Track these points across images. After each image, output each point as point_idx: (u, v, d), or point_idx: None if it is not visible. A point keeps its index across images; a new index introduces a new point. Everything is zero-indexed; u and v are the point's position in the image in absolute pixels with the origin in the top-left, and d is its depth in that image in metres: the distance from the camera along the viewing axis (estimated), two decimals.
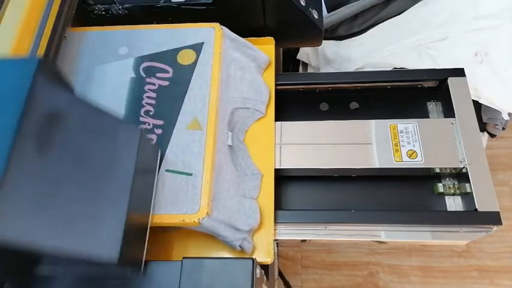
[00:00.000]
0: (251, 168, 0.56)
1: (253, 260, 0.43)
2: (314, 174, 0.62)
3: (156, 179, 0.48)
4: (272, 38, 0.65)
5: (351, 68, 0.91)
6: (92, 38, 0.58)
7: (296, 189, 0.62)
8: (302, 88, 0.68)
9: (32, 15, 0.48)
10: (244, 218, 0.50)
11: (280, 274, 1.07)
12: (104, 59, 0.56)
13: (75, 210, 0.33)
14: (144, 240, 0.44)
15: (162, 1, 0.60)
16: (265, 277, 0.50)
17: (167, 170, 0.48)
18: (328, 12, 0.93)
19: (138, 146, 0.41)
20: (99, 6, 0.61)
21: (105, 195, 0.36)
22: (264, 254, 0.52)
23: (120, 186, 0.38)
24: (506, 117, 0.83)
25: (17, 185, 0.27)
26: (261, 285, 0.47)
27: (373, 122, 0.61)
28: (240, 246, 0.50)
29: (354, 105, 0.68)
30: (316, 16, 0.64)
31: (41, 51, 0.48)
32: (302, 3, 0.61)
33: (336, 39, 0.96)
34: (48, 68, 0.32)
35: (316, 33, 0.66)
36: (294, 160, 0.59)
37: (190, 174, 0.47)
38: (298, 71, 1.03)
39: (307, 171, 0.60)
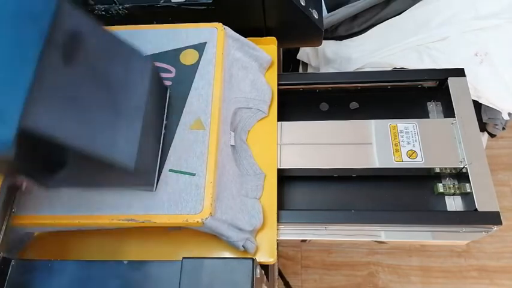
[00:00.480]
0: (254, 168, 0.56)
1: (253, 260, 0.43)
2: (314, 174, 0.62)
3: (165, 108, 0.50)
4: (274, 37, 0.65)
5: (351, 68, 0.91)
6: None
7: (296, 189, 0.62)
8: (302, 88, 0.68)
9: None
10: (247, 218, 0.50)
11: (280, 274, 1.07)
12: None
13: (97, 117, 0.37)
14: (156, 159, 0.48)
15: (162, 1, 0.60)
16: (265, 277, 0.50)
17: (170, 170, 0.48)
18: (328, 12, 0.93)
19: (151, 73, 0.45)
20: (99, 6, 0.61)
21: (122, 108, 0.40)
22: (267, 254, 0.52)
23: (135, 103, 0.42)
24: (506, 117, 0.83)
25: (45, 88, 0.31)
26: (261, 285, 0.47)
27: (373, 122, 0.61)
28: (243, 246, 0.50)
29: (354, 105, 0.68)
30: (316, 16, 0.64)
31: None
32: (302, 3, 0.61)
33: (336, 39, 0.96)
34: None
35: (316, 33, 0.66)
36: (293, 160, 0.59)
37: (194, 175, 0.47)
38: (298, 71, 1.03)
39: (307, 171, 0.60)
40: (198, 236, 0.54)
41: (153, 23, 0.59)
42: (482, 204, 0.54)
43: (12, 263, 0.46)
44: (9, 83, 0.30)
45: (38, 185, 0.46)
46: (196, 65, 0.55)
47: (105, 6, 0.61)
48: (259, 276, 0.45)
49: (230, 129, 0.56)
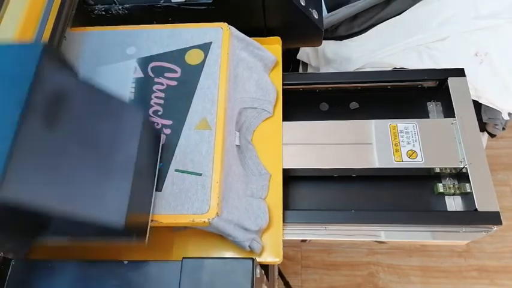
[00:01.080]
0: (259, 168, 0.56)
1: (253, 260, 0.43)
2: (314, 174, 0.62)
3: (159, 155, 0.48)
4: (279, 37, 0.65)
5: (351, 68, 0.91)
6: (99, 38, 0.58)
7: (296, 189, 0.62)
8: (302, 88, 0.68)
9: (32, 15, 0.48)
10: (253, 218, 0.50)
11: (280, 274, 1.07)
12: (111, 58, 0.56)
13: (83, 180, 0.35)
14: (149, 210, 0.45)
15: (162, 1, 0.60)
16: (265, 277, 0.50)
17: (176, 170, 0.48)
18: (328, 12, 0.93)
19: (142, 125, 0.43)
20: (99, 6, 0.61)
21: (111, 165, 0.38)
22: (273, 254, 0.52)
23: (125, 159, 0.40)
24: (506, 117, 0.83)
25: (26, 155, 0.30)
26: (261, 285, 0.47)
27: (373, 122, 0.61)
28: (249, 246, 0.50)
29: (354, 105, 0.68)
30: (316, 16, 0.64)
31: None
32: (302, 3, 0.61)
33: (336, 39, 0.96)
34: (53, 52, 0.34)
35: (316, 33, 0.66)
36: (293, 160, 0.59)
37: (200, 174, 0.47)
38: (298, 71, 1.03)
39: (307, 171, 0.60)
40: (198, 236, 0.54)
41: (153, 23, 0.59)
42: (482, 204, 0.54)
43: (12, 263, 0.46)
44: None
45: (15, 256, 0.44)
46: (201, 65, 0.54)
47: (105, 6, 0.61)
48: (259, 276, 0.45)
49: (235, 129, 0.56)
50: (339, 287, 1.16)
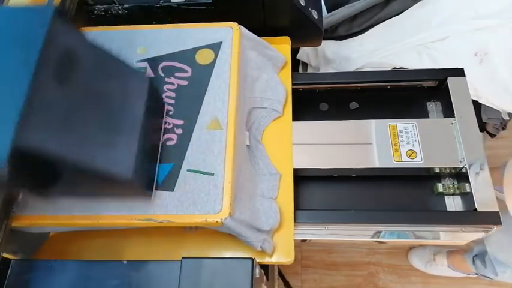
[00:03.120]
0: (269, 168, 0.56)
1: (252, 260, 0.43)
2: (314, 174, 0.62)
3: (164, 117, 0.50)
4: (288, 37, 0.65)
5: (351, 68, 0.91)
6: (107, 38, 0.58)
7: (296, 189, 0.62)
8: (302, 88, 0.68)
9: None
10: (264, 218, 0.50)
11: (280, 274, 1.07)
12: (121, 58, 0.56)
13: (94, 132, 0.37)
14: (156, 164, 0.48)
15: (161, 1, 0.60)
16: (264, 277, 0.50)
17: (188, 170, 0.48)
18: (328, 12, 0.93)
19: (148, 90, 0.45)
20: (98, 6, 0.61)
21: (119, 123, 0.40)
22: (285, 254, 0.52)
23: (132, 117, 0.42)
24: (506, 117, 0.84)
25: (39, 105, 0.32)
26: (260, 285, 0.47)
27: (373, 122, 0.61)
28: (260, 247, 0.49)
29: (353, 105, 0.68)
30: (315, 16, 0.64)
31: None
32: (302, 3, 0.61)
33: (336, 39, 0.96)
34: (63, 14, 0.35)
35: (316, 33, 0.66)
36: (294, 160, 0.59)
37: (212, 174, 0.47)
38: (298, 71, 1.03)
39: (307, 171, 0.60)
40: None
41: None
42: (482, 204, 0.54)
43: (12, 263, 0.46)
44: (2, 102, 0.31)
45: (36, 196, 0.45)
46: (212, 64, 0.54)
47: (105, 6, 0.61)
48: (258, 276, 0.45)
49: (245, 129, 0.56)
50: (339, 287, 1.16)
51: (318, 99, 0.68)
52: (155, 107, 0.48)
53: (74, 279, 0.45)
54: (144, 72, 0.53)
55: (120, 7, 0.61)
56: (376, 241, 0.59)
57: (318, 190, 0.61)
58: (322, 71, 0.96)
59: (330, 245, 1.21)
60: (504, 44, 0.82)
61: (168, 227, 0.51)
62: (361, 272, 1.18)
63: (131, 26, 0.59)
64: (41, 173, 0.37)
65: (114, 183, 0.40)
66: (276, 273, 0.72)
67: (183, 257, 0.44)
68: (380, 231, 0.57)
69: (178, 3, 0.60)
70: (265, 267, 0.53)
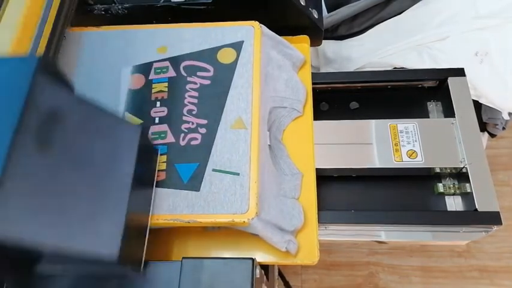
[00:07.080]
0: (290, 167, 0.56)
1: (252, 260, 0.43)
2: None
3: (155, 179, 0.47)
4: (307, 36, 0.64)
5: (351, 68, 0.91)
6: (127, 37, 0.57)
7: None
8: None
9: (31, 15, 0.48)
10: (288, 218, 0.50)
11: (280, 274, 1.07)
12: (141, 58, 0.56)
13: (76, 209, 0.33)
14: (144, 240, 0.44)
15: (162, 1, 0.60)
16: (265, 277, 0.50)
17: (214, 170, 0.48)
18: (328, 12, 0.93)
19: (139, 145, 0.41)
20: (98, 6, 0.61)
21: (105, 193, 0.36)
22: (309, 255, 0.51)
23: (120, 186, 0.38)
24: (506, 117, 0.83)
25: (16, 183, 0.28)
26: (260, 285, 0.47)
27: (373, 122, 0.61)
28: (286, 247, 0.49)
29: (354, 105, 0.68)
30: (316, 16, 0.64)
31: (40, 51, 0.48)
32: (302, 3, 0.61)
33: (336, 39, 0.96)
34: (48, 66, 0.32)
35: (316, 33, 0.66)
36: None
37: (238, 174, 0.47)
38: None
39: None
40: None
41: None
42: (482, 204, 0.54)
43: None
44: None
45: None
46: (234, 63, 0.54)
47: (105, 6, 0.61)
48: (259, 276, 0.45)
49: (266, 128, 0.56)
50: (339, 287, 1.16)
51: (318, 99, 0.68)
52: (147, 159, 0.46)
53: (74, 280, 0.45)
54: (134, 125, 0.46)
55: (120, 7, 0.61)
56: (376, 241, 0.59)
57: (318, 190, 0.61)
58: (322, 70, 0.96)
59: (330, 245, 1.21)
60: (505, 44, 0.82)
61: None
62: (362, 272, 1.17)
63: (151, 25, 0.58)
64: (17, 262, 0.34)
65: (99, 264, 0.37)
66: (276, 273, 0.72)
67: (183, 257, 0.44)
68: (380, 232, 0.57)
69: (178, 3, 0.60)
70: (265, 267, 0.53)
